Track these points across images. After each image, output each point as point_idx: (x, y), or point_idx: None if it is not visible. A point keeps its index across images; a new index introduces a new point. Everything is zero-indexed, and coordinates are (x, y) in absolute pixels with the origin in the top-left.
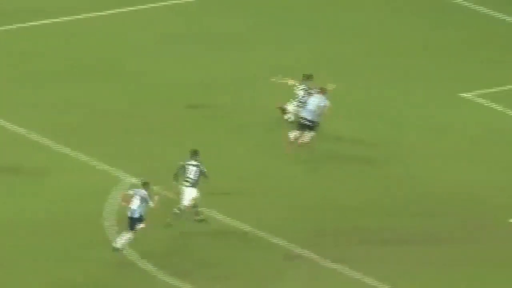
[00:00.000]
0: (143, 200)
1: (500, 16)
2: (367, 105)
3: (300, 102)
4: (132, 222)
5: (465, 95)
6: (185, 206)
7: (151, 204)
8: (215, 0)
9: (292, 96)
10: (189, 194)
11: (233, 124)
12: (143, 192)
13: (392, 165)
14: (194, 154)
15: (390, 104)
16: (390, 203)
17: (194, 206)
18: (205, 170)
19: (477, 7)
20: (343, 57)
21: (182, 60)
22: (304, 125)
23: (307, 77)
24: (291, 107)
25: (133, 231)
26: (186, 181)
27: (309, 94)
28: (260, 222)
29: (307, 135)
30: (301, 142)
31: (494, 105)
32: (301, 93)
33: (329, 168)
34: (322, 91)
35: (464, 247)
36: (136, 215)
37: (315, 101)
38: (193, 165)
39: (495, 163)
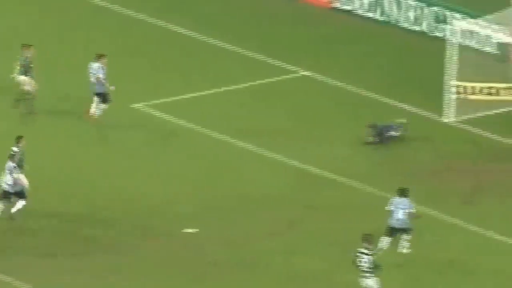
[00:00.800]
0: (12, 172)
1: (162, 24)
2: None
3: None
4: (8, 194)
5: (136, 105)
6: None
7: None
8: None
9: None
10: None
11: None
12: (10, 165)
13: (68, 179)
14: (16, 140)
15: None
16: (65, 215)
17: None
18: (23, 157)
19: (136, 15)
20: None
21: None
22: (98, 95)
23: (27, 47)
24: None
25: (5, 200)
26: None
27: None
28: None
29: (99, 107)
30: (91, 116)
31: (166, 115)
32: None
33: None
34: (98, 58)
35: (138, 256)
36: (16, 189)
37: (92, 75)
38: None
39: (170, 173)
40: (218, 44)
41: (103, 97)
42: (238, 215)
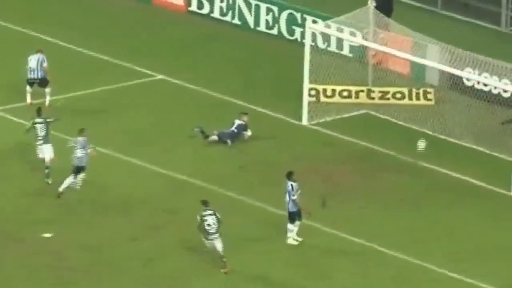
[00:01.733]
0: (83, 147)
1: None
2: None
3: None
4: (78, 170)
5: None
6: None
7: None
8: None
9: None
10: (48, 151)
11: None
12: (82, 139)
13: None
14: (39, 111)
15: None
16: None
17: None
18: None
19: None
20: None
21: None
22: (32, 84)
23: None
24: None
25: (76, 176)
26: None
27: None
28: None
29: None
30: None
31: (21, 120)
32: None
33: None
34: (39, 51)
35: None
36: (83, 164)
37: (34, 60)
38: (39, 122)
39: (28, 178)
40: (77, 49)
41: (47, 82)
42: (98, 220)
